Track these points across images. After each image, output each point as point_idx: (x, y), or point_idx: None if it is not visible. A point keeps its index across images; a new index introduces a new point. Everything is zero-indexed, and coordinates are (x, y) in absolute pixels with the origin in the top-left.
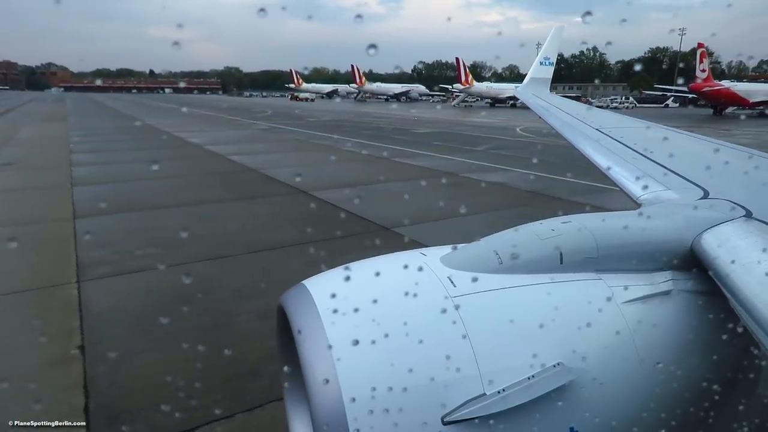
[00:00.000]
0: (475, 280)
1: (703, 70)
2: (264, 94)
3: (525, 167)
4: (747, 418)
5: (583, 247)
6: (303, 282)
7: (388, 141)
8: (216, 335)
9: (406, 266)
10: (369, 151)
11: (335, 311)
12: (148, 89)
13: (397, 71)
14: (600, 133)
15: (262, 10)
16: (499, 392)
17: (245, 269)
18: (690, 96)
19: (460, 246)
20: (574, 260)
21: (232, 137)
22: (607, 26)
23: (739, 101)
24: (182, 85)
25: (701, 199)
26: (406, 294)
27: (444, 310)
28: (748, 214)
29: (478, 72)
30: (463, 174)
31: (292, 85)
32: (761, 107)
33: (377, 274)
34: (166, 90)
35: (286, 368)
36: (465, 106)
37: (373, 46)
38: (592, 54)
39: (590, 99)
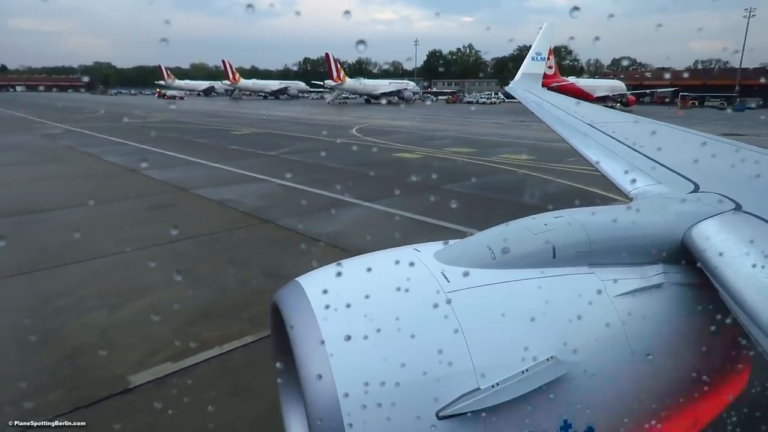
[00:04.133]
0: (468, 275)
1: (550, 67)
2: (133, 91)
3: (285, 177)
4: (737, 408)
5: (576, 242)
6: (296, 279)
7: (180, 147)
8: None
9: (399, 262)
10: (135, 161)
11: (329, 307)
12: None
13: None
14: (591, 128)
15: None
16: (493, 386)
17: None
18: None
19: (453, 241)
20: (567, 254)
21: None
22: (491, 26)
23: (584, 96)
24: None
25: (691, 192)
26: (400, 289)
27: (437, 305)
28: (738, 207)
29: (364, 68)
30: (195, 190)
31: (162, 83)
32: (608, 103)
33: (371, 269)
34: (18, 88)
35: (279, 364)
36: (339, 102)
37: (361, 42)
38: (468, 51)
39: (466, 94)
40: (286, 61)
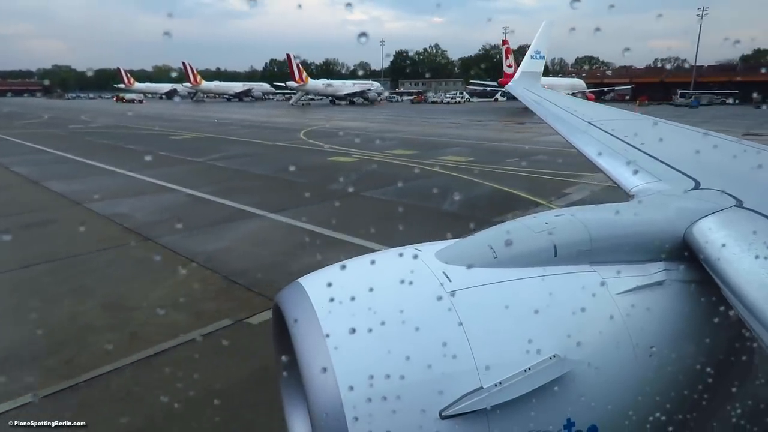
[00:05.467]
0: (470, 274)
1: (510, 66)
2: (92, 95)
3: (198, 187)
4: (740, 404)
5: (577, 240)
6: (298, 280)
7: (104, 155)
8: None
9: (401, 262)
10: (44, 171)
11: (330, 305)
12: None
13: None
14: (591, 125)
15: None
16: (495, 385)
17: None
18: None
19: (454, 241)
20: (568, 252)
21: None
22: (460, 26)
23: None
24: None
25: (692, 189)
26: (402, 289)
27: (439, 305)
28: (739, 204)
29: (331, 68)
30: (89, 203)
31: (121, 86)
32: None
33: (372, 270)
34: None
35: (283, 358)
36: (303, 104)
37: (363, 34)
38: (435, 51)
39: (432, 94)
40: (253, 62)
